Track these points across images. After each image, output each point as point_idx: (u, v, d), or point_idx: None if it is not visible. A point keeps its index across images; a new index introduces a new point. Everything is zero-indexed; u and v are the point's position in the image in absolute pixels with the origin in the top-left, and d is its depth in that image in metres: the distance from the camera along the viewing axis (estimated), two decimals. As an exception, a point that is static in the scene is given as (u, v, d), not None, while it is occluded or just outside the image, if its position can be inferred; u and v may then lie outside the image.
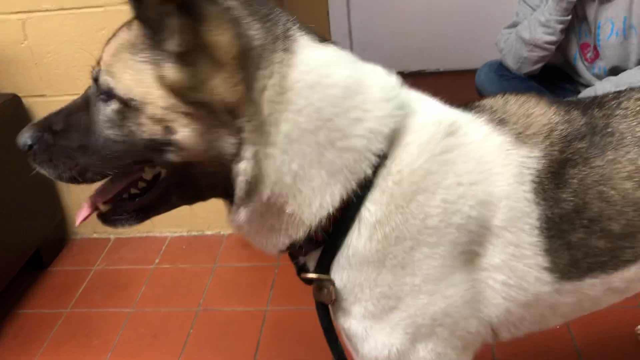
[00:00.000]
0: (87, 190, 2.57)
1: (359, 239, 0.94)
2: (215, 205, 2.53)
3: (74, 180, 0.95)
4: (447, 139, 0.96)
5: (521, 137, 1.00)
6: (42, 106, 2.34)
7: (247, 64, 0.87)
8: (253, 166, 0.88)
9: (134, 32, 0.90)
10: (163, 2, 0.84)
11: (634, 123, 1.02)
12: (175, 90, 0.87)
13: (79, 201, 2.52)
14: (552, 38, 2.22)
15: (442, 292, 0.96)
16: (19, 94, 2.31)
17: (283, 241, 0.97)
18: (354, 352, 1.07)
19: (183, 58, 0.86)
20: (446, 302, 0.97)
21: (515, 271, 0.98)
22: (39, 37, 2.24)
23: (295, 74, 0.88)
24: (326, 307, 1.02)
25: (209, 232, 2.54)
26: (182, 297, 2.20)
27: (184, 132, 0.88)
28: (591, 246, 0.99)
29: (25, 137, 0.97)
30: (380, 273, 0.95)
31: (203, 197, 0.99)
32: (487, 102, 1.07)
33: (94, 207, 1.01)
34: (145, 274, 2.35)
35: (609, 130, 1.01)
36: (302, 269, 1.04)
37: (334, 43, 0.97)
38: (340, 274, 0.97)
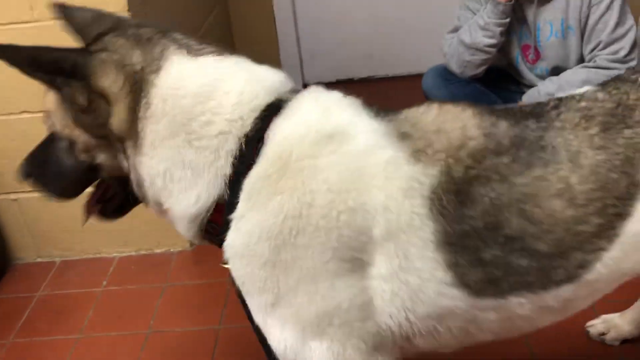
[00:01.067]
0: (29, 210, 2.45)
1: (232, 233, 1.01)
2: (164, 224, 2.44)
3: (62, 198, 1.20)
4: (322, 144, 0.97)
5: (419, 153, 0.97)
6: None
7: (132, 88, 1.02)
8: (133, 175, 1.08)
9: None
10: (52, 79, 1.02)
11: (571, 136, 0.98)
12: (87, 130, 1.07)
13: (19, 224, 2.43)
14: (492, 41, 2.25)
15: (322, 293, 0.97)
16: (-49, 116, 2.20)
17: (184, 232, 1.10)
18: None
19: (87, 109, 1.04)
20: (329, 304, 0.97)
21: (407, 284, 0.97)
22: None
23: (155, 90, 1.01)
24: (241, 294, 1.08)
25: (158, 250, 2.46)
26: (132, 319, 2.12)
27: (100, 159, 1.11)
28: (512, 264, 0.96)
29: (23, 170, 1.19)
30: (252, 268, 0.99)
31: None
32: (408, 112, 1.05)
33: (88, 209, 1.26)
34: (92, 297, 2.26)
35: (542, 143, 0.97)
36: None
37: (217, 54, 1.07)
38: (230, 263, 1.04)
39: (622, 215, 0.96)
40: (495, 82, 2.47)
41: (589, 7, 2.13)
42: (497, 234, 0.94)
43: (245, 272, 1.01)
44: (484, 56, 2.31)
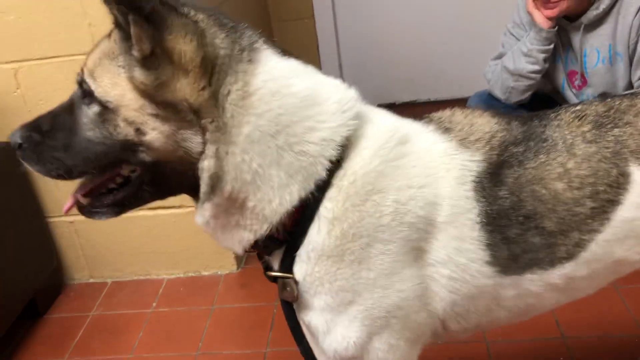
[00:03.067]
0: (84, 232, 2.54)
1: (318, 235, 1.02)
2: (211, 246, 2.51)
3: (61, 177, 1.04)
4: (400, 146, 1.06)
5: (464, 142, 1.11)
6: (36, 153, 2.35)
7: (213, 70, 0.97)
8: (215, 163, 0.98)
9: (112, 39, 1.00)
10: (127, 12, 0.92)
11: (566, 132, 1.13)
12: (144, 92, 0.96)
13: (74, 246, 2.53)
14: (536, 67, 2.25)
15: (394, 286, 1.04)
16: (13, 142, 2.31)
17: (247, 237, 1.05)
18: (314, 345, 1.12)
19: (147, 62, 0.95)
20: (399, 296, 1.05)
21: (459, 265, 1.07)
22: (31, 85, 2.26)
23: (258, 81, 0.98)
24: (291, 305, 1.09)
25: (206, 273, 2.52)
26: (181, 340, 2.17)
27: (153, 134, 0.97)
28: (528, 242, 1.08)
29: (16, 136, 1.05)
30: (339, 267, 1.03)
31: (174, 193, 1.09)
32: (436, 114, 1.18)
33: (76, 200, 1.10)
34: (143, 318, 2.33)
35: (544, 137, 1.12)
36: (268, 268, 1.11)
37: (296, 57, 1.07)
38: (301, 268, 1.05)
39: (613, 201, 1.09)
40: (541, 109, 2.45)
41: (638, 33, 2.11)
42: (518, 213, 1.07)
43: (329, 272, 1.03)
44: (527, 82, 2.31)
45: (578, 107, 1.17)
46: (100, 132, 1.00)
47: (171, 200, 2.46)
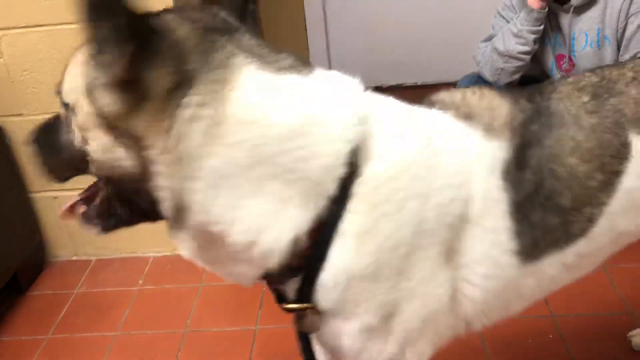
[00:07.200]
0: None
1: (344, 255, 0.89)
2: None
3: (51, 177, 1.04)
4: (426, 148, 0.95)
5: (489, 129, 1.03)
6: (19, 125, 2.28)
7: (175, 95, 0.82)
8: (172, 196, 0.85)
9: (84, 49, 0.87)
10: (116, 30, 0.78)
11: (568, 103, 1.10)
12: (104, 108, 0.85)
13: (58, 222, 2.47)
14: (526, 48, 2.27)
15: (432, 292, 0.97)
16: (-5, 114, 2.25)
17: (251, 272, 0.93)
18: None
19: (113, 86, 0.82)
20: (435, 302, 0.98)
21: (493, 260, 1.01)
22: (15, 55, 2.19)
23: (229, 107, 0.82)
24: (307, 336, 0.99)
25: (193, 251, 2.49)
26: (169, 318, 2.15)
27: (92, 144, 0.88)
28: (548, 224, 1.04)
29: (31, 134, 1.06)
30: (378, 283, 0.92)
31: (149, 217, 0.94)
32: (444, 96, 1.08)
33: (74, 204, 1.05)
34: (129, 295, 2.29)
35: (551, 111, 1.08)
36: (281, 298, 0.99)
37: (297, 69, 0.91)
38: (326, 295, 0.92)
39: (617, 172, 1.08)
40: (529, 91, 2.47)
41: (627, 17, 2.13)
42: (540, 195, 1.02)
43: (364, 291, 0.92)
44: (517, 63, 2.32)
45: (571, 79, 1.15)
46: (67, 136, 0.95)
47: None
